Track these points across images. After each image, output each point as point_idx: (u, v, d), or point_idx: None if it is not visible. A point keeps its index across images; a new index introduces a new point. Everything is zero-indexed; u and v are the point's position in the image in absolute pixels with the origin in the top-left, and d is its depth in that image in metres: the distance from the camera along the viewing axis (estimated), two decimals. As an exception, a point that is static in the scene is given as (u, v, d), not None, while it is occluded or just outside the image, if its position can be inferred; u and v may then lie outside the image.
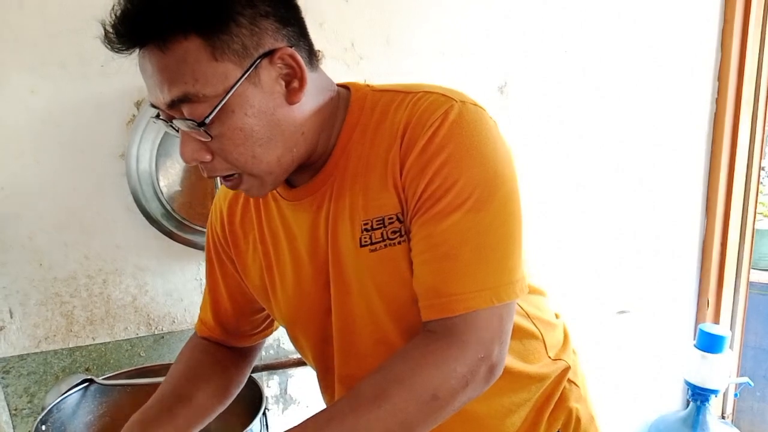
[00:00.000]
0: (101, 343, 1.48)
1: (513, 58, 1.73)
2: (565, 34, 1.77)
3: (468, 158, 0.72)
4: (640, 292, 2.07)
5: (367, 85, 0.84)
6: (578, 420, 0.94)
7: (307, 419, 0.71)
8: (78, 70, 1.35)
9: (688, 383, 2.02)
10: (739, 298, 2.18)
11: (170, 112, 0.72)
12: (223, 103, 0.70)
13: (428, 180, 0.72)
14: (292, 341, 0.98)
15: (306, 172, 0.82)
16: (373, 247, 0.77)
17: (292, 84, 0.73)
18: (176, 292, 1.52)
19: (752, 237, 2.17)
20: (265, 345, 1.52)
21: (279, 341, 1.64)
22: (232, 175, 0.77)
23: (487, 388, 0.75)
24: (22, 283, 1.40)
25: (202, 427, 0.94)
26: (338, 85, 0.84)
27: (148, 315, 1.51)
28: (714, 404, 2.08)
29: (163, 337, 1.52)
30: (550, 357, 0.93)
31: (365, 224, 0.77)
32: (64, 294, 1.44)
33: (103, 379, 1.30)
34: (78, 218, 1.41)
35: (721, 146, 2.03)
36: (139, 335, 1.51)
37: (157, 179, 1.37)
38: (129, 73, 1.37)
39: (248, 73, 0.70)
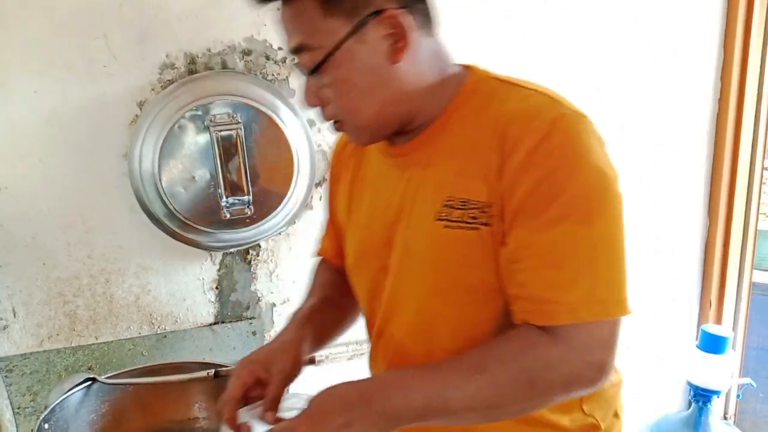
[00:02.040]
0: (104, 343, 1.49)
1: (512, 59, 1.73)
2: (565, 34, 1.77)
3: (580, 169, 0.73)
4: (641, 293, 2.06)
5: (486, 71, 0.86)
6: None
7: (412, 368, 0.77)
8: (82, 71, 1.35)
9: (690, 384, 2.02)
10: (742, 298, 2.18)
11: (295, 58, 0.81)
12: (330, 56, 0.77)
13: (534, 184, 0.73)
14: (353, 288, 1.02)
15: (406, 135, 0.86)
16: (448, 224, 0.79)
17: (397, 44, 0.77)
18: (179, 292, 1.53)
19: (755, 237, 2.17)
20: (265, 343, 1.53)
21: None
22: (337, 121, 0.84)
23: (594, 390, 0.76)
24: (25, 282, 1.41)
25: (345, 329, 1.09)
26: (461, 65, 0.87)
27: (151, 314, 1.52)
28: (716, 405, 2.07)
29: (165, 336, 1.53)
30: (583, 410, 0.88)
31: (449, 200, 0.79)
32: (68, 293, 1.45)
33: (106, 378, 1.30)
34: (81, 218, 1.42)
35: (723, 146, 2.02)
36: (142, 334, 1.51)
37: (160, 179, 1.37)
38: (132, 74, 1.39)
39: (355, 30, 0.76)
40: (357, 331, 1.68)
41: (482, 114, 0.80)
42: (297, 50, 0.80)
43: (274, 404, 0.86)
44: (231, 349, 1.56)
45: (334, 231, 1.09)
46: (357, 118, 0.82)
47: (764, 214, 3.55)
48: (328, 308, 1.04)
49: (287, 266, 1.61)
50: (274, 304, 1.61)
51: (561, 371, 0.72)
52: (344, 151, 1.03)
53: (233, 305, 1.58)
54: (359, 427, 0.71)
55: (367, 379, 0.76)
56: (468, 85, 0.84)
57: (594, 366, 0.73)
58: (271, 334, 1.61)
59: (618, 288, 0.74)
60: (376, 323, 0.93)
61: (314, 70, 0.79)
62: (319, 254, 1.16)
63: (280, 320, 1.61)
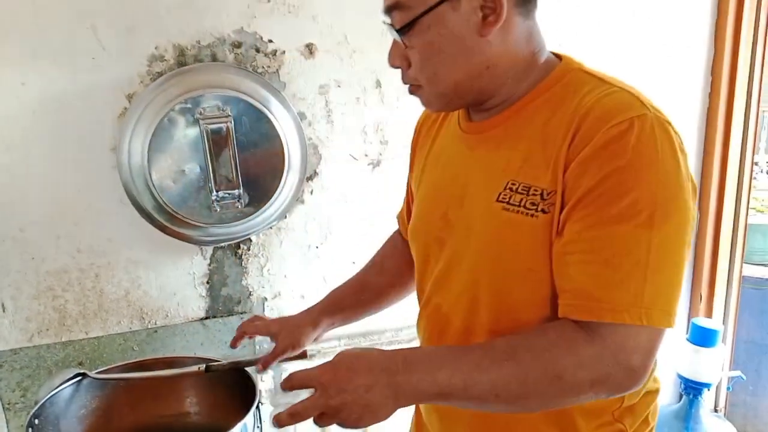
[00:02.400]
0: (94, 338, 1.48)
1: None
2: (559, 28, 1.77)
3: (651, 172, 0.71)
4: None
5: (579, 63, 0.86)
6: None
7: (443, 346, 0.80)
8: (69, 63, 1.34)
9: (680, 377, 2.03)
10: (732, 292, 2.19)
11: (387, 17, 0.82)
12: (422, 17, 0.78)
13: (601, 179, 0.72)
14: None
15: (485, 113, 0.87)
16: (507, 207, 0.79)
17: (489, 18, 0.78)
18: (169, 286, 1.52)
19: (745, 232, 2.18)
20: (259, 339, 1.53)
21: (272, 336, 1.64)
22: (416, 86, 0.86)
23: (626, 393, 0.75)
24: (14, 276, 1.40)
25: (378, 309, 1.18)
26: (555, 54, 0.88)
27: (141, 309, 1.51)
28: (707, 398, 2.09)
29: (156, 331, 1.52)
30: (613, 414, 0.87)
31: (512, 184, 0.80)
32: (57, 288, 1.43)
33: (96, 373, 1.29)
34: (70, 211, 1.41)
35: (714, 142, 2.03)
36: (132, 329, 1.51)
37: (150, 172, 1.36)
38: (121, 66, 1.37)
39: None
40: (348, 325, 1.69)
41: (562, 104, 0.79)
42: (391, 8, 0.80)
43: (266, 364, 1.11)
44: (222, 343, 1.55)
45: (408, 202, 1.13)
46: (436, 84, 0.83)
47: (754, 208, 3.58)
48: (361, 291, 1.16)
49: (278, 260, 1.60)
50: (265, 299, 1.61)
51: (591, 370, 0.71)
52: (425, 122, 1.06)
53: (224, 300, 1.57)
54: (379, 392, 0.71)
55: (398, 350, 0.76)
56: (556, 74, 0.83)
57: (626, 370, 0.71)
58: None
59: (667, 298, 0.73)
60: (426, 292, 0.95)
61: (404, 29, 0.80)
62: (398, 218, 1.21)
63: (271, 314, 1.60)
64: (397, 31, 0.81)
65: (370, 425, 0.74)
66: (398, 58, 0.85)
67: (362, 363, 0.73)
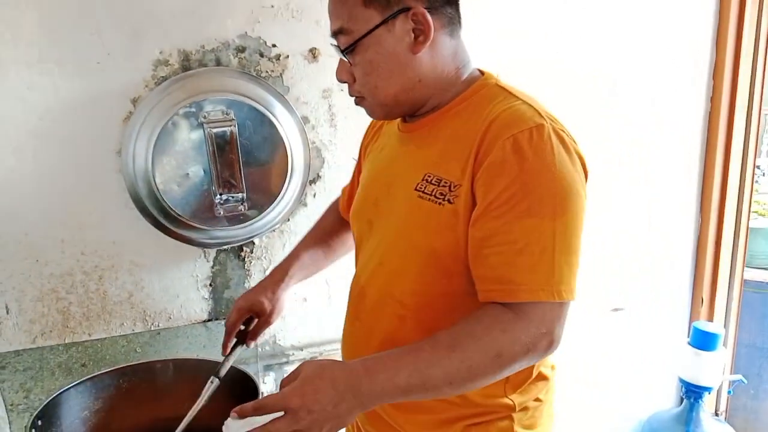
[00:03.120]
0: (97, 339, 1.48)
1: (505, 56, 1.73)
2: (562, 34, 1.78)
3: (549, 172, 0.85)
4: (634, 290, 2.07)
5: (496, 78, 0.99)
6: None
7: (394, 350, 0.85)
8: (75, 67, 1.35)
9: (681, 380, 2.04)
10: (733, 295, 2.19)
11: (334, 40, 0.95)
12: (362, 39, 0.91)
13: (509, 182, 0.84)
14: None
15: (415, 116, 1.02)
16: (422, 195, 0.93)
17: (419, 38, 0.92)
18: (172, 288, 1.53)
19: (746, 235, 2.18)
20: (261, 342, 1.53)
21: (275, 337, 1.65)
22: (360, 98, 0.99)
23: (546, 357, 0.88)
24: (18, 279, 1.41)
25: (329, 263, 1.32)
26: (480, 70, 1.02)
27: (144, 311, 1.52)
28: (708, 401, 2.09)
29: (159, 333, 1.52)
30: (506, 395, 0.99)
31: (428, 176, 0.93)
32: (60, 290, 1.44)
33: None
34: (74, 214, 1.42)
35: (715, 145, 2.04)
36: (135, 331, 1.51)
37: (154, 176, 1.37)
38: (126, 70, 1.38)
39: (386, 21, 0.91)
40: (330, 332, 1.69)
41: (476, 112, 0.93)
42: (337, 33, 0.94)
43: (254, 336, 1.21)
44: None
45: (352, 184, 1.27)
46: (376, 95, 0.96)
47: (756, 212, 3.58)
48: (318, 247, 1.29)
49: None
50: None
51: (522, 342, 0.83)
52: (375, 126, 1.21)
53: (227, 302, 1.58)
54: (345, 406, 0.79)
55: (357, 361, 0.83)
56: (475, 87, 0.97)
57: (547, 338, 0.84)
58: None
59: (569, 276, 0.86)
60: (357, 268, 1.09)
61: (347, 50, 0.93)
62: (339, 201, 1.34)
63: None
64: (342, 51, 0.94)
65: None
66: (345, 73, 0.98)
67: (326, 382, 0.79)
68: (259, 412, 0.79)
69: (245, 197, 1.43)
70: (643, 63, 1.90)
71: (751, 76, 2.04)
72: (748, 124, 2.06)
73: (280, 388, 0.82)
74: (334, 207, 1.36)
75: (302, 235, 1.60)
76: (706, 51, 1.99)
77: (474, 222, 0.88)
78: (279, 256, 1.60)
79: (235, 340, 1.19)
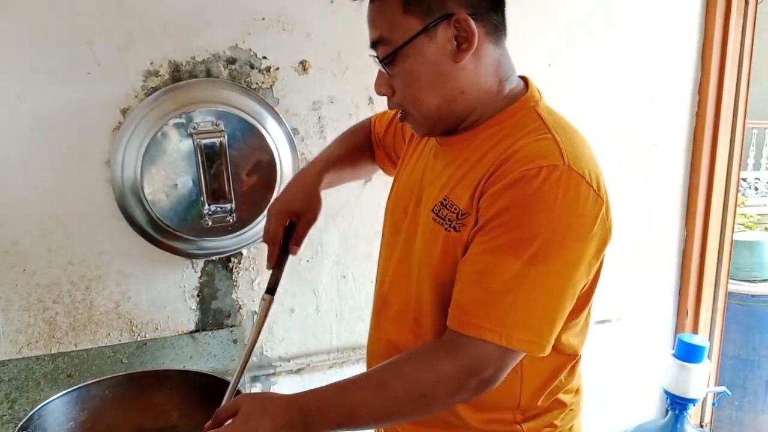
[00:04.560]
0: (84, 350, 1.48)
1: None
2: (547, 48, 1.79)
3: (543, 215, 0.80)
4: (620, 302, 2.09)
5: (538, 99, 0.94)
6: None
7: (331, 385, 0.86)
8: (65, 77, 1.35)
9: (666, 392, 2.05)
10: (718, 308, 2.21)
11: (373, 51, 0.91)
12: (401, 48, 0.87)
13: (500, 211, 0.82)
14: None
15: (456, 130, 0.96)
16: (436, 218, 0.92)
17: (461, 46, 0.87)
18: (159, 299, 1.52)
19: (731, 248, 2.21)
20: (269, 321, 1.52)
21: (262, 349, 1.65)
22: (405, 113, 0.95)
23: (477, 397, 0.86)
24: (4, 288, 1.40)
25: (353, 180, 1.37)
26: (523, 79, 0.97)
27: (131, 321, 1.51)
28: (692, 413, 2.11)
29: (146, 344, 1.52)
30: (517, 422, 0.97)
31: (445, 200, 0.91)
32: (47, 300, 1.44)
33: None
34: (62, 224, 1.41)
35: (700, 159, 2.06)
36: (122, 342, 1.51)
37: (142, 186, 1.37)
38: (116, 80, 1.39)
39: (427, 28, 0.86)
40: (337, 339, 1.70)
41: (505, 138, 0.89)
42: (376, 43, 0.90)
43: (299, 241, 1.15)
44: (212, 356, 1.56)
45: (392, 126, 1.23)
46: (418, 107, 0.92)
47: (742, 224, 3.62)
48: (349, 159, 1.26)
49: (269, 275, 1.61)
50: (255, 312, 1.62)
51: (449, 384, 0.83)
52: None
53: (214, 313, 1.58)
54: None
55: (294, 400, 0.85)
56: (513, 108, 0.92)
57: (478, 381, 0.83)
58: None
59: (531, 327, 0.82)
60: (380, 269, 1.09)
61: (387, 60, 0.89)
62: (372, 120, 1.31)
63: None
64: (381, 62, 0.90)
65: None
66: (384, 86, 0.93)
67: (267, 418, 0.81)
68: None
69: (233, 208, 1.44)
70: (628, 77, 1.92)
71: (736, 91, 2.07)
72: (732, 138, 2.09)
73: (216, 420, 0.85)
74: (365, 128, 1.31)
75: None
76: (690, 65, 2.02)
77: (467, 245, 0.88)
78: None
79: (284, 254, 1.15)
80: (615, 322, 2.09)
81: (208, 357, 1.57)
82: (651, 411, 2.22)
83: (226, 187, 1.43)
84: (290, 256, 1.15)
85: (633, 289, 2.10)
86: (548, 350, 0.84)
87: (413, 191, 1.01)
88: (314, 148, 1.59)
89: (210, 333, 1.56)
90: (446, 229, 0.89)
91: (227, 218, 1.44)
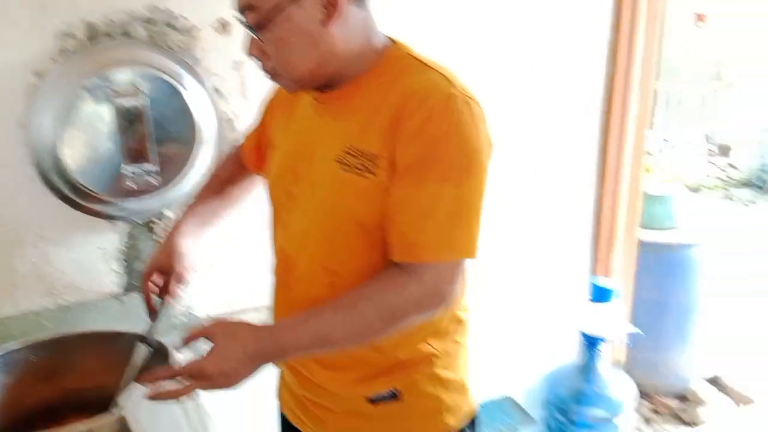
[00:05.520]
0: (6, 317, 1.46)
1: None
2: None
3: (458, 141, 0.90)
4: (539, 252, 2.20)
5: (408, 48, 1.01)
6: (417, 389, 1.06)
7: (301, 314, 0.93)
8: (-27, 38, 1.30)
9: (582, 334, 2.19)
10: (630, 254, 2.36)
11: (242, 17, 0.92)
12: (271, 16, 0.89)
13: (420, 150, 0.90)
14: None
15: (331, 87, 1.00)
16: (344, 167, 0.95)
17: (329, 11, 0.91)
18: (82, 262, 1.51)
19: (640, 199, 2.35)
20: (183, 307, 1.54)
21: (190, 308, 1.66)
22: (275, 74, 0.98)
23: (437, 315, 0.95)
24: None
25: (228, 209, 1.30)
26: (389, 38, 1.02)
27: (53, 285, 1.50)
28: (607, 352, 2.25)
29: (69, 307, 1.51)
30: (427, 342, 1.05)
31: (349, 148, 0.95)
32: (-36, 266, 1.41)
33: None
34: (-24, 188, 1.38)
35: (610, 120, 2.18)
36: (44, 306, 1.49)
37: (60, 149, 1.35)
38: (31, 42, 1.35)
39: None
40: (244, 300, 1.71)
41: (392, 83, 0.95)
42: (244, 8, 0.92)
43: (168, 291, 1.17)
44: (138, 318, 1.55)
45: (257, 135, 1.24)
46: (291, 72, 0.96)
47: (657, 178, 3.80)
48: (214, 197, 1.27)
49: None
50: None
51: (414, 303, 0.91)
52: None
53: (139, 275, 1.57)
54: (254, 367, 0.89)
55: (266, 328, 0.92)
56: (388, 57, 0.99)
57: (438, 297, 0.93)
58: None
59: (471, 237, 0.93)
60: (278, 239, 1.10)
61: (257, 27, 0.91)
62: (240, 148, 1.30)
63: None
64: (250, 29, 0.93)
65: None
66: (256, 50, 0.96)
67: (239, 347, 0.88)
68: (172, 377, 0.90)
69: (155, 169, 1.43)
70: (541, 37, 1.98)
71: (646, 51, 2.17)
72: (643, 100, 2.21)
73: (189, 337, 0.92)
74: (233, 156, 1.32)
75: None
76: (604, 29, 2.10)
77: (389, 188, 0.93)
78: (193, 227, 1.60)
79: (160, 300, 1.19)
80: (534, 271, 2.20)
81: (136, 319, 1.56)
82: (570, 353, 2.35)
83: (147, 148, 1.42)
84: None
85: (551, 239, 2.21)
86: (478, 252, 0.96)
87: (300, 153, 1.05)
88: (237, 107, 1.59)
89: (135, 295, 1.57)
90: (360, 175, 0.94)
91: (148, 179, 1.43)
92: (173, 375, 0.90)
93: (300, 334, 0.90)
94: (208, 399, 1.28)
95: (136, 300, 1.57)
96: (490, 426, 2.07)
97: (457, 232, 0.92)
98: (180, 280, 1.20)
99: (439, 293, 0.93)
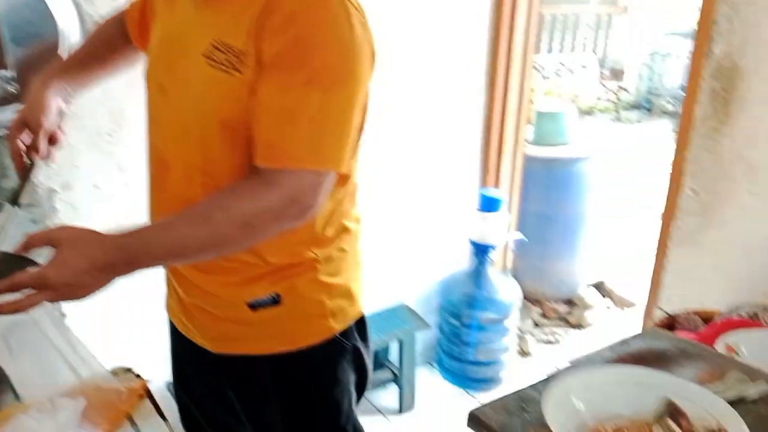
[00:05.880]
0: None
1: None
2: None
3: (329, 43, 0.84)
4: (431, 165, 2.26)
5: None
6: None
7: (154, 224, 0.89)
8: None
9: (471, 242, 2.29)
10: (516, 166, 2.47)
11: None
12: None
13: (287, 45, 0.83)
14: None
15: None
16: (211, 63, 0.89)
17: None
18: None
19: (527, 113, 2.44)
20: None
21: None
22: None
23: (298, 225, 0.90)
24: None
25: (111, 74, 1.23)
26: None
27: None
28: (495, 260, 2.38)
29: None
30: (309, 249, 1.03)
31: (217, 43, 0.89)
32: None
33: None
34: None
35: (499, 40, 2.22)
36: None
37: None
38: None
39: None
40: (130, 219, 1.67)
41: None
42: None
43: (35, 149, 1.07)
44: (8, 237, 1.48)
45: (142, 5, 1.14)
46: None
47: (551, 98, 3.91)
48: (94, 55, 1.19)
49: (66, 150, 1.53)
50: (54, 190, 1.54)
51: (270, 211, 0.87)
52: None
53: (7, 193, 1.49)
54: (104, 279, 0.82)
55: (115, 239, 0.83)
56: None
57: (296, 206, 0.88)
58: (55, 221, 1.57)
59: (336, 148, 0.89)
60: (150, 134, 1.05)
61: None
62: (124, 13, 1.20)
63: (63, 207, 1.55)
64: None
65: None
66: None
67: (86, 260, 0.80)
68: (14, 288, 0.80)
69: (12, 76, 1.33)
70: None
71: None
72: (528, 24, 2.27)
73: (28, 242, 0.84)
74: (117, 20, 1.21)
75: (87, 119, 1.54)
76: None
77: (255, 84, 0.88)
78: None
79: (29, 161, 1.09)
80: (427, 183, 2.26)
81: (7, 239, 1.49)
82: (461, 262, 2.47)
83: (3, 54, 1.31)
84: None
85: (443, 152, 2.27)
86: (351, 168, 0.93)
87: (174, 45, 0.99)
88: (103, 9, 1.48)
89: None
90: (227, 72, 0.88)
91: (6, 87, 1.33)
92: (12, 286, 0.81)
93: (152, 246, 0.85)
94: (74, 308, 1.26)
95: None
96: (387, 332, 2.16)
97: (323, 139, 0.87)
98: (51, 139, 1.10)
99: (298, 203, 0.88)
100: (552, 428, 0.73)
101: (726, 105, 1.70)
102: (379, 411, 2.29)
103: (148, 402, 1.05)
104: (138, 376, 1.11)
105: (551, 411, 0.76)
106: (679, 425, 0.77)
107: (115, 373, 1.13)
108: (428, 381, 2.48)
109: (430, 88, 2.15)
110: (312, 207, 0.89)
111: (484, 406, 0.88)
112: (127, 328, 1.70)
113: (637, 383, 0.83)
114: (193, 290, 1.08)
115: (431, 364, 2.57)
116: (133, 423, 1.00)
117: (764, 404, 0.89)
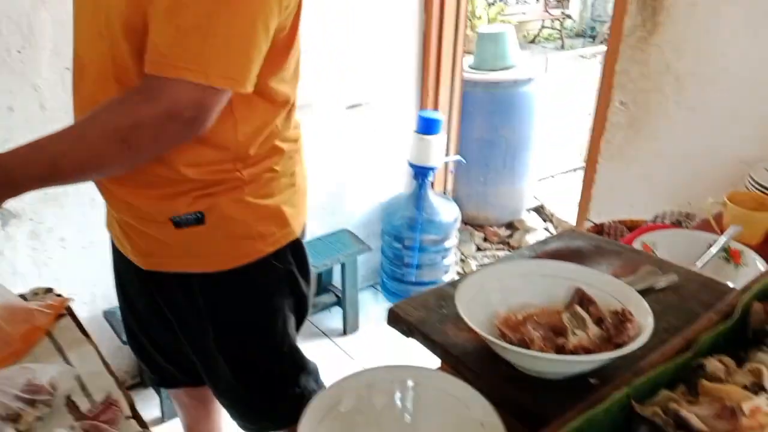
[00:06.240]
0: None
1: None
2: None
3: None
4: (370, 88, 2.22)
5: None
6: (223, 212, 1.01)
7: (35, 142, 0.83)
8: None
9: (411, 164, 2.29)
10: (455, 87, 2.46)
11: None
12: None
13: None
14: None
15: None
16: None
17: None
18: None
19: (463, 33, 2.41)
20: None
21: None
22: None
23: (180, 144, 0.88)
24: None
25: None
26: None
27: None
28: (436, 183, 2.40)
29: None
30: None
31: None
32: None
33: None
34: None
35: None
36: None
37: None
38: None
39: None
40: None
41: None
42: None
43: None
44: None
45: None
46: None
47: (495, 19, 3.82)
48: None
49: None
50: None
51: (149, 130, 0.83)
52: None
53: None
54: None
55: None
56: None
57: (179, 126, 0.83)
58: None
59: (228, 62, 0.82)
60: (75, 42, 1.00)
61: None
62: None
63: None
64: None
65: None
66: None
67: None
68: None
69: None
70: None
71: None
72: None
73: None
74: None
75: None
76: None
77: None
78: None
79: None
80: (365, 106, 2.23)
81: None
82: (403, 185, 2.48)
83: None
84: None
85: (381, 75, 2.23)
86: (249, 87, 0.85)
87: None
88: None
89: None
90: None
91: None
92: None
93: (30, 166, 0.82)
94: None
95: None
96: (329, 256, 2.17)
97: (209, 49, 0.80)
98: None
99: (177, 117, 0.82)
100: (465, 319, 0.75)
101: (654, 14, 1.71)
102: (324, 333, 2.33)
103: (69, 320, 1.04)
104: (59, 295, 1.09)
105: (465, 304, 0.77)
106: (587, 311, 0.80)
107: (35, 293, 1.11)
108: (372, 303, 2.53)
109: (366, 9, 2.09)
110: (196, 125, 0.84)
111: (403, 302, 0.89)
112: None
113: (548, 275, 0.85)
114: (120, 204, 1.04)
115: (375, 288, 2.61)
116: (53, 339, 0.99)
117: (672, 292, 0.93)
